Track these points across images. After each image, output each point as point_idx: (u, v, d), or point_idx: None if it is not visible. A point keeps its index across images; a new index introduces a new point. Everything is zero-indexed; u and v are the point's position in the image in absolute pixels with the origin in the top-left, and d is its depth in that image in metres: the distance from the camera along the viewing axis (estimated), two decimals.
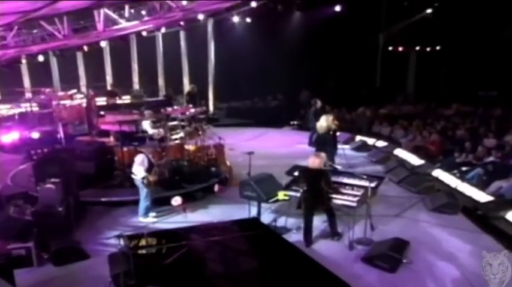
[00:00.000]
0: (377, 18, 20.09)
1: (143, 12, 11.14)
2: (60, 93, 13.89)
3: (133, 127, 9.26)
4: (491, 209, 7.75)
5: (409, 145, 12.63)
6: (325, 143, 9.80)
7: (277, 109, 18.41)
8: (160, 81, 18.84)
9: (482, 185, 8.90)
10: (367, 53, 20.14)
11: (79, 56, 16.54)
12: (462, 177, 9.57)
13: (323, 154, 7.15)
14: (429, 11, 18.62)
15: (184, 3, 10.69)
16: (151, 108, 10.84)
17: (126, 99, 15.80)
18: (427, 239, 6.94)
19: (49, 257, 6.27)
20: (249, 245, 5.31)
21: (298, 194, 7.05)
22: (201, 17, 14.86)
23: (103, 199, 8.41)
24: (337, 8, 16.96)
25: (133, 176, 7.64)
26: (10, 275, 5.38)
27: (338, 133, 11.27)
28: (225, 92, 18.83)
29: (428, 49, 20.39)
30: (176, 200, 8.33)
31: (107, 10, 9.82)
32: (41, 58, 13.75)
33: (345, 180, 7.24)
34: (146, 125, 9.56)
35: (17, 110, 13.84)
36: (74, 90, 14.41)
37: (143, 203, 7.69)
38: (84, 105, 12.75)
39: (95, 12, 9.82)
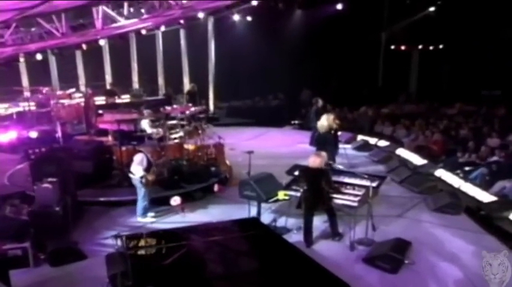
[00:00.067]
0: (379, 17, 20.02)
1: (142, 11, 11.06)
2: (59, 93, 13.84)
3: (131, 126, 9.21)
4: (495, 209, 7.69)
5: (412, 144, 12.59)
6: (326, 143, 9.73)
7: (278, 108, 18.36)
8: (160, 81, 18.79)
9: (485, 185, 8.86)
10: (369, 51, 20.07)
11: (78, 54, 16.50)
12: (465, 177, 9.53)
13: (324, 153, 7.08)
14: (432, 9, 18.57)
15: (183, 1, 10.63)
16: (150, 107, 10.80)
17: (125, 98, 15.74)
18: (430, 239, 6.88)
19: (46, 258, 6.21)
20: (249, 246, 5.25)
21: (299, 194, 6.99)
22: (201, 15, 14.79)
23: (101, 199, 8.36)
24: (339, 6, 16.95)
25: (131, 175, 7.60)
26: (5, 276, 5.34)
27: (339, 133, 11.24)
28: (226, 91, 18.78)
29: (431, 48, 20.35)
30: (175, 200, 8.29)
31: (105, 8, 9.73)
32: (39, 57, 13.67)
33: (346, 179, 7.19)
34: (145, 124, 9.51)
35: (15, 109, 13.79)
36: (73, 89, 14.36)
37: (141, 203, 7.64)
38: (83, 104, 12.70)
39: (94, 10, 9.75)
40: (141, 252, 5.01)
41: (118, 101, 15.10)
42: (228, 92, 18.83)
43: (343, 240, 6.80)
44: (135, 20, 10.89)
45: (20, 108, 13.73)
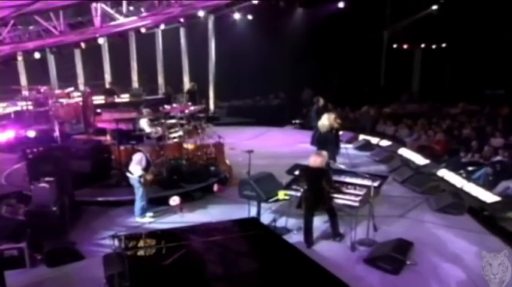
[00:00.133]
0: (381, 15, 19.91)
1: (142, 9, 10.99)
2: (57, 92, 13.79)
3: (130, 125, 9.17)
4: (499, 209, 7.61)
5: (414, 144, 12.52)
6: (327, 142, 9.70)
7: (279, 108, 18.27)
8: (160, 80, 18.72)
9: (489, 185, 8.79)
10: (371, 50, 19.92)
11: (77, 53, 16.47)
12: (468, 177, 9.46)
13: (324, 153, 7.05)
14: (435, 7, 18.45)
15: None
16: (150, 106, 10.75)
17: (124, 97, 15.69)
18: (432, 240, 6.83)
19: (42, 258, 6.18)
20: (249, 246, 5.22)
21: (299, 194, 6.94)
22: (201, 13, 14.70)
23: (99, 199, 8.32)
24: (341, 5, 16.90)
25: (128, 174, 7.55)
26: (1, 277, 5.29)
27: (341, 132, 11.18)
28: (226, 90, 18.70)
29: (433, 46, 20.21)
30: (174, 200, 8.23)
31: (104, 6, 9.67)
32: (37, 55, 13.63)
33: (347, 179, 7.14)
34: (143, 123, 9.50)
35: (12, 108, 13.75)
36: (71, 88, 14.30)
37: (139, 203, 7.60)
38: (81, 103, 12.65)
39: (92, 8, 9.68)
40: (139, 252, 4.98)
41: (117, 100, 15.05)
42: (229, 91, 18.75)
43: (344, 240, 6.76)
44: (134, 18, 10.83)
45: (18, 108, 13.69)
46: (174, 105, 11.52)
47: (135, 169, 7.39)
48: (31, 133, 12.11)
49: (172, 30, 17.45)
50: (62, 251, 6.24)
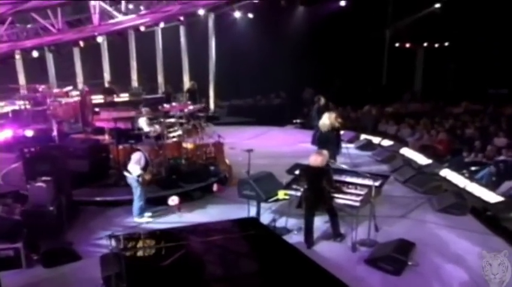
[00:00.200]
0: (383, 13, 19.85)
1: (141, 7, 10.93)
2: (56, 91, 13.76)
3: (129, 124, 9.12)
4: (502, 210, 7.56)
5: (416, 144, 12.49)
6: (327, 142, 9.65)
7: (280, 107, 18.23)
8: (160, 79, 18.72)
9: (492, 185, 8.75)
10: (373, 49, 19.89)
11: (76, 52, 16.48)
12: (471, 177, 9.42)
13: (325, 152, 6.99)
14: (437, 5, 18.39)
15: None
16: (149, 105, 10.71)
17: (124, 97, 15.63)
18: (434, 240, 6.78)
19: (39, 259, 6.12)
20: (248, 247, 5.16)
21: (299, 194, 6.88)
22: (201, 11, 14.66)
23: (97, 199, 8.25)
24: (342, 3, 16.87)
25: (126, 174, 7.49)
26: None
27: (342, 132, 11.12)
28: (226, 89, 18.63)
29: (436, 45, 20.19)
30: (173, 200, 8.15)
31: (102, 3, 9.60)
32: (35, 54, 13.61)
33: (348, 179, 7.09)
34: (142, 122, 9.46)
35: (10, 108, 13.69)
36: (70, 87, 14.27)
37: (137, 202, 7.54)
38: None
39: (91, 5, 9.61)
40: (137, 253, 4.93)
41: (116, 99, 15.01)
42: (229, 90, 18.68)
43: (345, 241, 6.71)
44: (133, 16, 10.77)
45: (16, 107, 13.64)
46: (174, 104, 11.47)
47: (134, 169, 7.33)
48: (29, 132, 12.04)
49: (172, 28, 17.44)
50: (59, 251, 6.18)
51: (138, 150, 7.59)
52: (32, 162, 7.49)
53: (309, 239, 6.58)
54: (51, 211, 6.60)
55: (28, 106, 13.26)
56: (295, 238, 6.70)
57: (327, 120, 9.92)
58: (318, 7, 17.17)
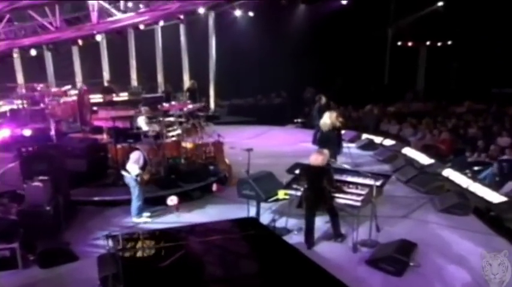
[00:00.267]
0: (385, 12, 19.79)
1: (140, 6, 10.87)
2: (54, 89, 13.73)
3: (127, 123, 9.06)
4: (505, 210, 7.47)
5: (418, 143, 12.42)
6: (328, 141, 9.62)
7: (281, 107, 18.19)
8: (160, 78, 18.71)
9: (495, 186, 8.69)
10: (375, 48, 19.84)
11: (75, 51, 16.47)
12: (474, 177, 9.35)
13: (326, 151, 6.93)
14: (440, 3, 18.36)
15: None
16: (148, 104, 10.65)
17: (123, 96, 15.59)
18: (436, 241, 6.73)
19: (35, 259, 6.08)
20: (248, 247, 5.12)
21: (299, 193, 6.81)
22: (201, 10, 14.61)
23: (95, 198, 8.21)
24: (343, 1, 16.76)
25: (124, 173, 7.42)
26: None
27: (343, 131, 11.05)
28: (227, 88, 18.62)
29: (439, 44, 20.11)
30: (172, 200, 8.10)
31: (101, 1, 9.54)
32: (33, 52, 13.58)
33: (349, 178, 7.03)
34: (141, 121, 9.41)
35: (8, 107, 13.67)
36: (68, 86, 14.23)
37: (135, 202, 7.49)
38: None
39: (89, 3, 9.54)
40: (135, 253, 4.87)
41: (116, 98, 14.97)
42: (229, 89, 18.66)
43: (346, 241, 6.67)
44: (132, 14, 10.71)
45: (14, 106, 13.62)
46: (173, 103, 11.41)
47: (133, 168, 7.27)
48: (27, 132, 12.02)
49: (172, 27, 17.41)
50: (56, 251, 6.14)
51: (137, 149, 7.52)
52: (29, 161, 7.40)
53: (310, 240, 6.54)
54: (47, 211, 6.56)
55: (26, 105, 13.23)
56: (296, 238, 6.66)
57: (327, 119, 9.90)
58: (319, 5, 17.11)
